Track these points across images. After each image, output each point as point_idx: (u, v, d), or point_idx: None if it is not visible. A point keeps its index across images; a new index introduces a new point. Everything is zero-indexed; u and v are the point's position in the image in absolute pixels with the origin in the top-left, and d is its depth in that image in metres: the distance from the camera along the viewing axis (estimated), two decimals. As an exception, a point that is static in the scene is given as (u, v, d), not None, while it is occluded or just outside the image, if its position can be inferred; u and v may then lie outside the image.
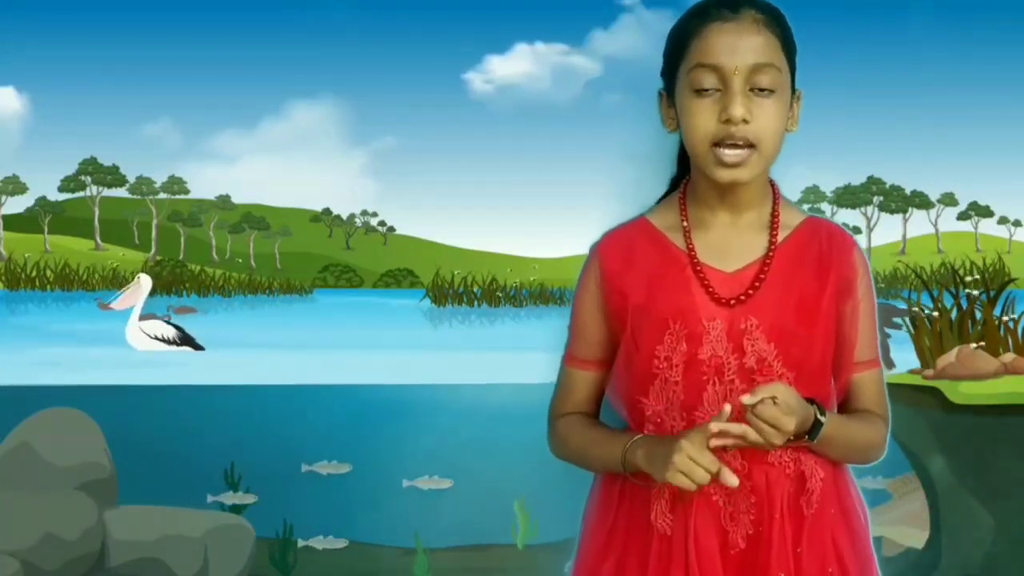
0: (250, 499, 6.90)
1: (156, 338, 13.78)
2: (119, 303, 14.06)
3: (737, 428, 2.09)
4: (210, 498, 6.93)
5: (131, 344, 13.69)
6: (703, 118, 2.16)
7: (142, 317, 14.09)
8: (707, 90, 2.16)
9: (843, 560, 2.23)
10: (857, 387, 2.29)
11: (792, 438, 2.13)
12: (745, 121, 2.14)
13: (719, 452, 2.13)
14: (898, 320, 6.41)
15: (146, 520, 5.92)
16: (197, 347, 14.05)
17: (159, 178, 37.97)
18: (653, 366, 2.21)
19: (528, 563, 6.48)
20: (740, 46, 2.15)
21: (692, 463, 2.09)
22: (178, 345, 13.87)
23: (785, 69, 2.19)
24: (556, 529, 6.02)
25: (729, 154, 2.16)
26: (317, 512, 6.94)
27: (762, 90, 2.16)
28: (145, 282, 13.88)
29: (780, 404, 2.08)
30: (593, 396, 2.34)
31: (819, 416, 2.16)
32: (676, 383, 2.20)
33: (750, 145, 2.16)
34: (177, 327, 14.13)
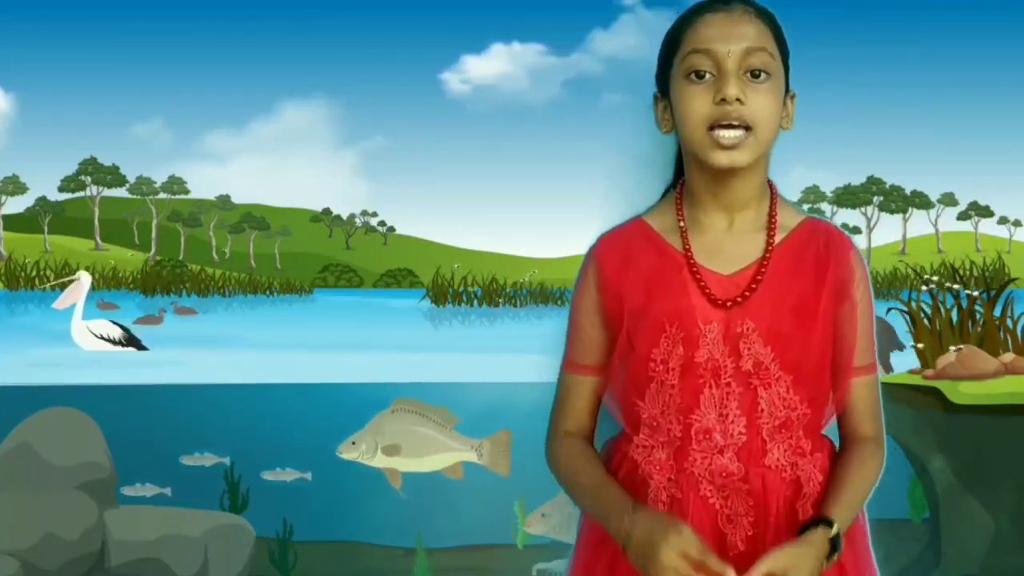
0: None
1: (102, 337, 13.74)
2: (60, 302, 14.00)
3: None
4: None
5: (78, 343, 13.63)
6: (698, 102, 2.16)
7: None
8: (702, 76, 2.16)
9: (842, 566, 2.22)
10: (855, 394, 2.27)
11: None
12: (740, 101, 2.14)
13: (715, 454, 2.13)
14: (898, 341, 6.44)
15: (146, 520, 5.92)
16: (141, 347, 14.04)
17: (158, 178, 37.98)
18: (649, 369, 2.20)
19: (528, 563, 6.48)
20: (733, 32, 2.16)
21: (677, 562, 2.04)
22: (123, 345, 13.86)
23: (778, 58, 2.19)
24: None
25: (726, 135, 2.14)
26: (317, 511, 6.94)
27: (756, 75, 2.16)
28: (85, 280, 13.80)
29: None
30: (592, 404, 2.32)
31: (830, 532, 2.12)
32: (672, 386, 2.19)
33: (746, 127, 2.15)
34: (123, 327, 14.12)
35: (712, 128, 2.15)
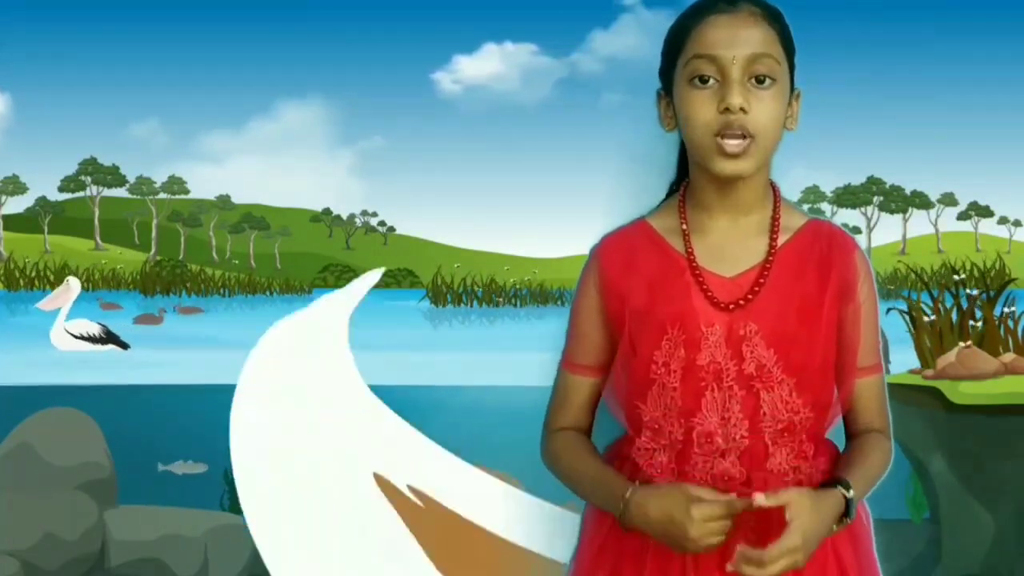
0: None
1: (81, 337, 13.72)
2: (46, 303, 14.00)
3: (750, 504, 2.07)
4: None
5: (55, 345, 13.63)
6: (702, 109, 2.14)
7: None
8: (705, 81, 2.14)
9: (845, 568, 2.21)
10: (860, 394, 2.27)
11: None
12: (743, 111, 2.12)
13: (717, 458, 2.13)
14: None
15: (146, 520, 5.92)
16: (123, 345, 14.01)
17: (158, 178, 38.01)
18: (651, 372, 2.19)
19: (528, 563, 6.46)
20: (738, 37, 2.14)
21: (708, 529, 2.07)
22: (103, 343, 13.84)
23: (783, 62, 2.17)
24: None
25: (731, 144, 2.13)
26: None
27: (760, 81, 2.14)
28: (74, 284, 13.79)
29: (791, 534, 2.03)
30: (590, 403, 2.32)
31: (846, 493, 2.13)
32: (674, 389, 2.18)
33: (749, 135, 2.14)
34: (102, 324, 14.09)
35: (715, 136, 2.14)
